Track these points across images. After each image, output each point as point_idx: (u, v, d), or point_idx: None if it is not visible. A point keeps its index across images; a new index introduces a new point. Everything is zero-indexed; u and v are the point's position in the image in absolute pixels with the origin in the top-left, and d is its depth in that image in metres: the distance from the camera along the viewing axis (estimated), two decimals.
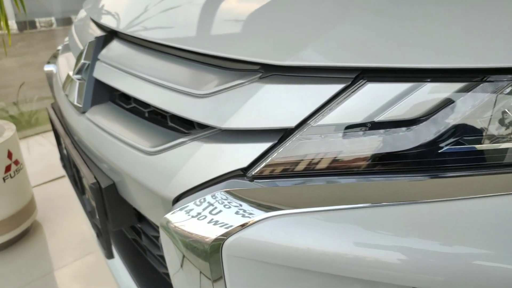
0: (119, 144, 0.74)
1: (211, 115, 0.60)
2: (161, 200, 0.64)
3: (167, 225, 0.56)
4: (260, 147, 0.56)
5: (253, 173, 0.56)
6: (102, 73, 0.88)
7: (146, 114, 0.81)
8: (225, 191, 0.55)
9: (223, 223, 0.52)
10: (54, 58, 1.41)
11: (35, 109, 3.52)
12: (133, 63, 0.80)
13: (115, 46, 0.91)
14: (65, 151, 1.15)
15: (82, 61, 0.93)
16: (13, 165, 1.91)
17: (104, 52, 0.91)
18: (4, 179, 1.85)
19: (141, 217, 0.85)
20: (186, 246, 0.55)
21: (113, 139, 0.77)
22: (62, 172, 2.72)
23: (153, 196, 0.66)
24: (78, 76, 0.95)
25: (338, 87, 0.52)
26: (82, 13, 1.31)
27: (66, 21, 8.63)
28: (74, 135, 0.97)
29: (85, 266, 1.85)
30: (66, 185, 2.54)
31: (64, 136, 1.00)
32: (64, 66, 1.17)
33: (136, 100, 0.85)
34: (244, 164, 0.56)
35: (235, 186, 0.56)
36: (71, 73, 0.98)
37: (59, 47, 1.44)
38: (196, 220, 0.54)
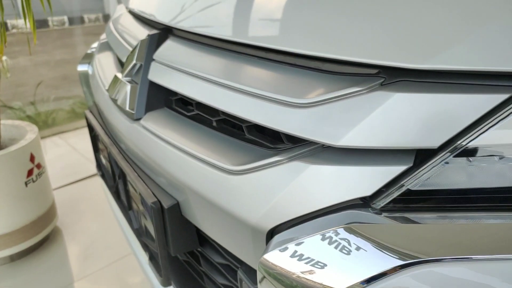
0: (189, 160, 0.64)
1: (318, 129, 0.49)
2: (249, 229, 0.54)
3: (271, 268, 0.46)
4: (389, 171, 0.45)
5: (381, 204, 0.45)
6: (159, 75, 0.78)
7: (214, 123, 0.70)
8: (347, 227, 0.44)
9: (352, 271, 0.41)
10: (87, 58, 1.31)
11: (52, 109, 3.44)
12: (200, 64, 0.70)
13: (174, 44, 0.80)
14: (105, 160, 1.05)
15: (134, 61, 0.83)
16: (35, 169, 1.82)
17: (160, 51, 0.81)
18: (26, 184, 1.76)
19: (202, 240, 0.74)
20: None
21: (179, 152, 0.66)
22: (82, 174, 2.65)
23: (237, 223, 0.55)
24: (128, 79, 0.85)
25: (500, 97, 0.41)
26: (121, 9, 1.21)
27: (78, 20, 8.62)
28: (123, 144, 0.86)
29: (110, 276, 1.75)
30: (86, 188, 2.45)
31: (110, 144, 0.90)
32: (106, 66, 1.07)
33: (199, 107, 0.75)
34: (368, 192, 0.45)
35: (356, 219, 0.45)
36: (119, 75, 0.88)
37: (94, 46, 1.34)
38: (313, 266, 0.43)
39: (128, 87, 0.82)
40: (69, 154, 2.88)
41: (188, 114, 0.76)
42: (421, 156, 0.45)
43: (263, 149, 0.60)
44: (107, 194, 1.15)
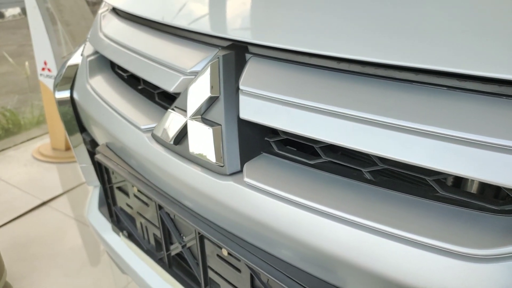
0: (361, 234, 0.46)
1: None
2: None
3: None
4: None
5: None
6: (259, 112, 0.57)
7: (368, 176, 0.53)
8: None
9: None
10: (66, 81, 1.01)
11: None
12: (333, 96, 0.51)
13: (267, 67, 0.60)
14: (143, 220, 0.80)
15: (209, 94, 0.61)
16: None
17: (248, 78, 0.60)
18: None
19: None
20: None
21: (350, 226, 0.48)
22: (21, 209, 2.20)
23: None
24: (198, 118, 0.62)
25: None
26: (111, 16, 0.93)
27: None
28: (202, 208, 0.64)
29: None
30: (30, 225, 2.05)
31: (166, 203, 0.67)
32: (120, 96, 0.81)
33: (327, 151, 0.56)
34: None
35: None
36: (179, 113, 0.65)
37: (71, 63, 1.04)
38: None
39: (208, 131, 0.60)
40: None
41: (313, 162, 0.57)
42: None
43: (487, 214, 0.44)
44: (129, 257, 0.89)
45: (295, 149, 0.62)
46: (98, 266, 1.80)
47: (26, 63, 3.50)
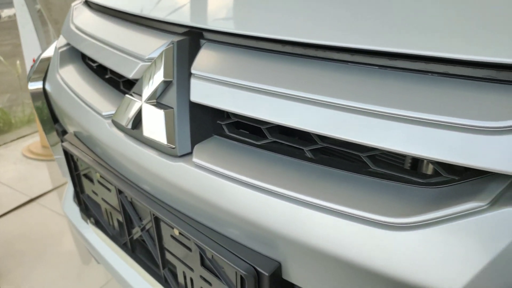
0: (308, 210, 0.47)
1: None
2: None
3: None
4: None
5: None
6: (210, 95, 0.59)
7: (309, 155, 0.54)
8: None
9: None
10: (39, 72, 1.03)
11: None
12: (291, 80, 0.53)
13: (219, 53, 0.61)
14: (107, 205, 0.81)
15: (162, 78, 0.62)
16: None
17: (200, 63, 0.62)
18: None
19: None
20: None
21: (285, 201, 0.49)
22: (7, 206, 2.22)
23: None
24: (153, 102, 0.64)
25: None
26: (82, 8, 0.95)
27: None
28: (154, 188, 0.66)
29: None
30: (17, 222, 2.06)
31: (127, 188, 0.69)
32: (87, 84, 0.83)
33: (274, 133, 0.58)
34: None
35: None
36: (136, 98, 0.66)
37: (45, 55, 1.06)
38: None
39: (160, 114, 0.62)
40: None
41: (259, 143, 0.58)
42: None
43: (413, 187, 0.46)
44: (100, 244, 0.91)
45: (248, 132, 0.63)
46: (83, 261, 1.82)
47: (17, 62, 3.51)
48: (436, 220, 0.40)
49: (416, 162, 0.54)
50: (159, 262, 0.70)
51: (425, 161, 0.48)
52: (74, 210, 1.05)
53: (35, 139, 2.96)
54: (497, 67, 0.42)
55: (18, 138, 3.02)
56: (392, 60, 0.47)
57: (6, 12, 8.22)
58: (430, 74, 0.45)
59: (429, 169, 0.48)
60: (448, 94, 0.43)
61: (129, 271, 0.82)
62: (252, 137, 0.60)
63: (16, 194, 2.30)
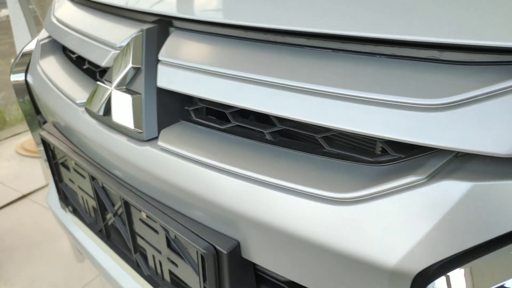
0: (260, 188, 0.49)
1: (475, 136, 0.38)
2: (383, 274, 0.41)
3: None
4: None
5: None
6: (175, 80, 0.60)
7: (268, 137, 0.56)
8: None
9: None
10: (21, 65, 1.04)
11: None
12: (247, 63, 0.54)
13: (186, 40, 0.63)
14: (82, 193, 0.83)
15: (130, 65, 0.64)
16: None
17: (167, 50, 0.63)
18: None
19: (260, 279, 0.60)
20: None
21: (240, 179, 0.51)
22: (3, 201, 2.23)
23: (357, 266, 0.43)
24: (123, 88, 0.65)
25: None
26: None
27: None
28: (124, 173, 0.67)
29: None
30: (7, 218, 2.07)
31: (99, 174, 0.70)
32: (63, 74, 0.84)
33: (236, 117, 0.59)
34: None
35: None
36: (107, 85, 0.68)
37: (28, 48, 1.08)
38: None
39: (128, 99, 0.63)
40: None
41: (223, 127, 0.60)
42: None
43: (362, 165, 0.47)
44: (78, 233, 0.92)
45: (215, 118, 0.65)
46: (72, 256, 1.83)
47: (12, 60, 3.52)
48: (377, 194, 0.41)
49: (369, 142, 0.56)
50: (131, 246, 0.71)
51: (376, 141, 0.50)
52: (56, 201, 1.06)
53: (29, 136, 2.98)
54: (440, 48, 0.43)
55: (12, 136, 3.04)
56: (345, 44, 0.49)
57: (4, 12, 8.24)
58: (378, 56, 0.46)
59: (378, 149, 0.50)
60: (394, 74, 0.44)
61: (106, 258, 0.84)
62: (217, 121, 0.62)
63: (8, 191, 2.31)
